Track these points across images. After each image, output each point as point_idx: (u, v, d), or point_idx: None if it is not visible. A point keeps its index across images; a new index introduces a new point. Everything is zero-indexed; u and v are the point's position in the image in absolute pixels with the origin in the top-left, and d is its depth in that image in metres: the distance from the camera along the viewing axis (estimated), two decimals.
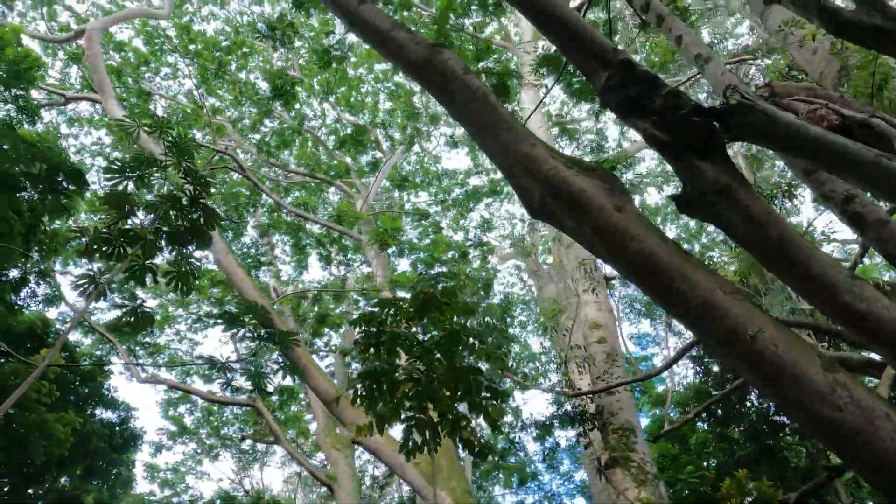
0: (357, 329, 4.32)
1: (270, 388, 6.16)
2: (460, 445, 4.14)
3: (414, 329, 4.27)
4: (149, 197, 6.61)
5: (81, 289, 6.01)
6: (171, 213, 6.41)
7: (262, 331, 5.84)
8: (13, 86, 10.73)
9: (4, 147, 9.80)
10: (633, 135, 20.13)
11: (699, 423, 14.76)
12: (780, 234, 2.71)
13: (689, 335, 17.18)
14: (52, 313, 16.75)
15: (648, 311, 20.62)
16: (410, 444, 4.07)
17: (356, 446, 13.11)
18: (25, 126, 11.35)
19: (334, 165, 19.21)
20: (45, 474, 14.47)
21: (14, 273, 12.83)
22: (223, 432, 24.73)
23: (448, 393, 4.02)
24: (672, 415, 18.39)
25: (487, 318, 4.78)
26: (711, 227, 17.58)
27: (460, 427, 4.00)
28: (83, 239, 6.26)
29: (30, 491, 14.40)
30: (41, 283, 14.65)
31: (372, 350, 4.11)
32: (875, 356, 6.68)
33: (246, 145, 18.71)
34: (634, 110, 3.20)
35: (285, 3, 19.08)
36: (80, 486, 15.99)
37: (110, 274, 5.95)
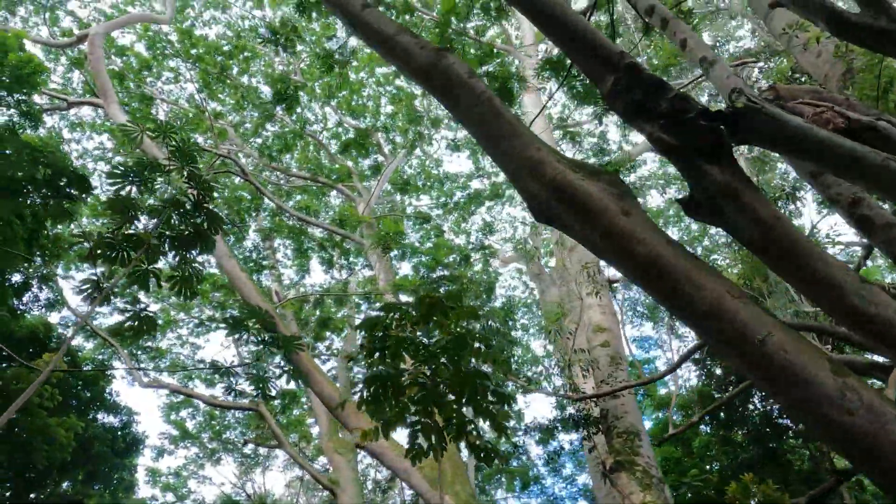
0: (362, 333, 4.31)
1: (274, 393, 6.15)
2: (465, 449, 4.13)
3: (419, 333, 4.26)
4: (151, 201, 6.61)
5: (85, 293, 6.01)
6: (174, 217, 6.42)
7: (266, 335, 5.84)
8: (16, 91, 10.75)
9: (7, 152, 9.83)
10: (635, 138, 20.14)
11: (702, 427, 14.75)
12: (787, 237, 2.71)
13: (691, 338, 17.18)
14: (53, 318, 16.78)
15: (651, 314, 20.60)
16: (416, 448, 4.06)
17: (359, 450, 13.09)
18: (28, 131, 11.37)
19: (336, 169, 19.23)
20: (47, 479, 14.47)
21: (16, 277, 12.84)
22: (225, 436, 24.70)
23: (454, 397, 4.01)
24: (675, 418, 18.38)
25: (491, 322, 4.77)
26: (713, 230, 17.58)
27: (466, 431, 3.99)
28: (86, 244, 6.27)
29: (32, 495, 14.39)
30: (43, 287, 14.66)
31: (377, 354, 4.10)
32: (879, 358, 6.67)
33: (248, 149, 18.73)
34: (641, 114, 3.20)
35: (286, 8, 19.16)
36: (82, 490, 15.99)
37: (115, 279, 5.95)
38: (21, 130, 10.82)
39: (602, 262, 13.62)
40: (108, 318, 18.91)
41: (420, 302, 4.12)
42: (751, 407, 13.27)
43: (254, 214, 19.15)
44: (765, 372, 2.58)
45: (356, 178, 18.91)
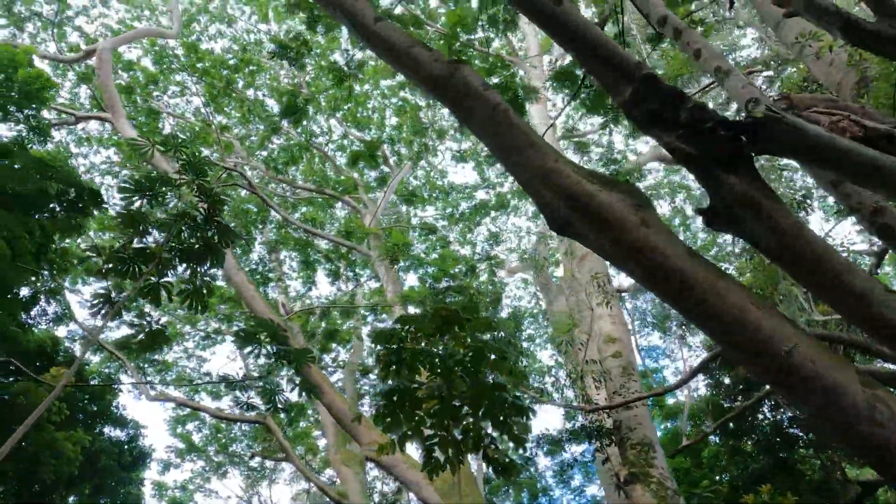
0: (377, 346, 4.28)
1: (284, 405, 6.13)
2: (479, 461, 4.10)
3: (434, 346, 4.23)
4: (160, 215, 6.62)
5: (96, 308, 6.01)
6: (184, 231, 6.42)
7: (278, 348, 5.82)
8: (25, 106, 10.82)
9: (16, 166, 9.88)
10: (641, 148, 20.16)
11: (711, 437, 14.61)
12: (810, 246, 2.69)
13: (701, 349, 17.09)
14: (60, 331, 16.78)
15: (659, 324, 20.53)
16: (433, 462, 4.02)
17: (367, 463, 13.03)
18: (37, 146, 11.43)
19: (341, 181, 19.28)
20: (54, 493, 14.41)
21: (24, 291, 12.86)
22: (231, 449, 24.62)
23: (471, 410, 3.99)
24: (684, 428, 18.23)
25: (500, 333, 4.75)
26: (721, 239, 17.52)
27: (484, 444, 3.96)
28: (94, 258, 6.27)
29: None
30: (51, 301, 14.67)
31: (393, 367, 4.08)
32: None
33: (254, 162, 18.79)
34: (658, 124, 3.19)
35: (292, 22, 19.28)
36: None
37: (126, 293, 5.95)
38: (30, 145, 10.88)
39: (612, 272, 13.61)
40: (114, 331, 18.92)
41: (435, 314, 4.10)
42: (760, 416, 13.16)
43: (260, 227, 19.19)
44: (791, 383, 2.56)
45: (362, 190, 18.94)
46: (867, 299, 2.64)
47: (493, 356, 4.04)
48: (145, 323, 6.24)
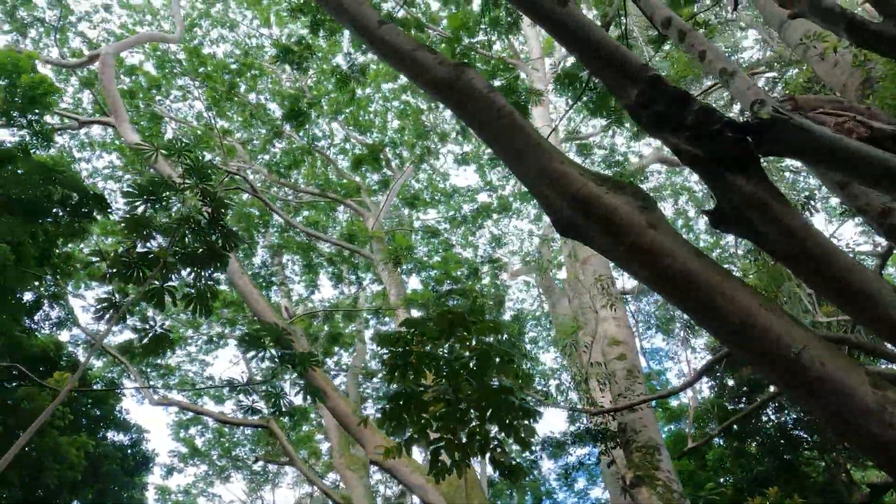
0: (383, 349, 4.27)
1: (290, 409, 6.12)
2: (482, 464, 4.09)
3: (440, 349, 4.23)
4: (164, 220, 6.62)
5: (101, 313, 6.01)
6: (188, 235, 6.43)
7: (282, 352, 5.82)
8: (28, 111, 10.84)
9: (19, 171, 9.89)
10: (642, 150, 20.15)
11: (715, 439, 14.57)
12: (820, 248, 2.68)
13: (705, 351, 17.06)
14: (63, 336, 16.78)
15: (662, 326, 20.50)
16: (439, 465, 4.01)
17: (371, 466, 13.00)
18: (40, 151, 11.44)
19: (344, 184, 19.29)
20: (58, 498, 14.39)
21: (28, 296, 12.86)
22: (234, 453, 24.62)
23: (477, 413, 3.98)
24: (688, 430, 18.19)
25: (503, 335, 4.74)
26: (724, 241, 17.50)
27: (490, 447, 3.95)
28: (96, 262, 6.28)
29: None
30: (54, 306, 14.68)
31: (399, 371, 4.07)
32: None
33: (256, 166, 18.81)
34: (665, 126, 3.19)
35: (293, 26, 19.32)
36: None
37: (130, 297, 5.95)
38: (33, 150, 10.89)
39: (615, 274, 13.60)
40: (117, 335, 18.93)
41: (441, 317, 4.09)
42: (764, 419, 13.13)
43: (262, 231, 19.20)
44: (801, 385, 2.55)
45: (364, 193, 18.95)
46: (875, 300, 2.63)
47: (499, 359, 4.04)
48: (148, 327, 6.24)
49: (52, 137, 11.84)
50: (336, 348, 19.32)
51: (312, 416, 21.27)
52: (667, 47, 11.16)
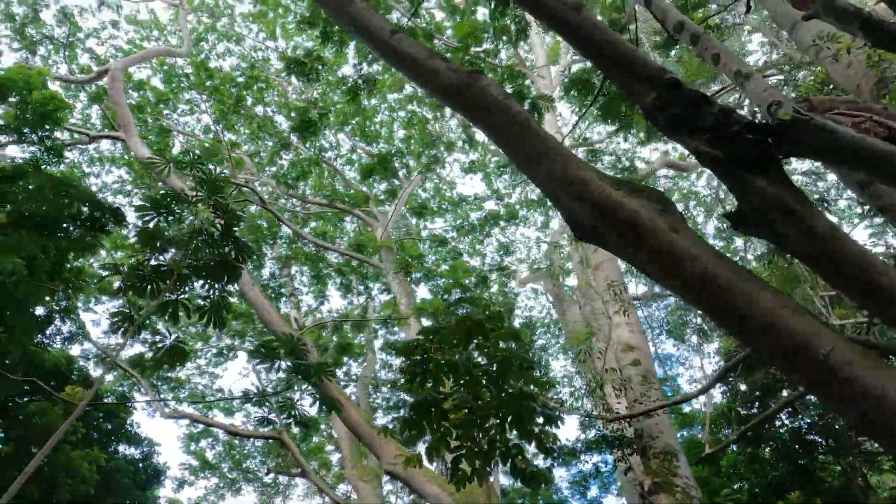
0: (402, 358, 4.26)
1: (304, 420, 6.10)
2: (497, 472, 4.06)
3: (458, 356, 4.20)
4: (176, 233, 6.64)
5: (116, 326, 6.01)
6: (201, 247, 6.44)
7: (296, 362, 5.80)
8: (39, 127, 10.92)
9: (31, 187, 9.96)
10: (648, 155, 20.14)
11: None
12: (845, 249, 2.66)
13: (717, 356, 16.96)
14: (74, 350, 16.84)
15: (674, 332, 20.41)
16: (459, 473, 3.99)
17: (383, 477, 12.95)
18: (51, 167, 11.51)
19: (351, 195, 19.34)
20: None
21: (40, 310, 12.92)
22: (245, 466, 24.58)
23: (497, 421, 3.96)
24: (699, 436, 18.07)
25: (514, 344, 4.73)
26: (735, 245, 17.43)
27: (512, 455, 3.93)
28: (108, 276, 6.30)
29: None
30: (66, 320, 14.73)
31: (418, 379, 4.06)
32: None
33: (264, 178, 18.89)
34: (684, 128, 3.18)
35: (299, 38, 19.45)
36: None
37: (145, 310, 5.96)
38: (44, 166, 10.97)
39: (626, 279, 13.56)
40: (126, 349, 18.97)
41: (459, 324, 4.08)
42: (778, 423, 13.02)
43: (271, 242, 19.25)
44: (829, 387, 2.52)
45: (372, 203, 18.99)
46: None
47: (518, 365, 4.02)
48: (159, 339, 6.24)
49: (62, 153, 11.91)
50: (345, 359, 19.31)
51: (322, 427, 21.24)
52: (673, 53, 11.17)
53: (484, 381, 4.00)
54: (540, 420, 3.95)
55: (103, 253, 17.22)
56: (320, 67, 9.69)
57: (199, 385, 22.11)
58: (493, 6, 8.11)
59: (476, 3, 11.28)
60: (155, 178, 14.96)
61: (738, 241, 17.22)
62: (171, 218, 6.54)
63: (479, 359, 4.46)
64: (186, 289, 6.52)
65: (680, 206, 20.83)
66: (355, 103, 12.13)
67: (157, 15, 21.12)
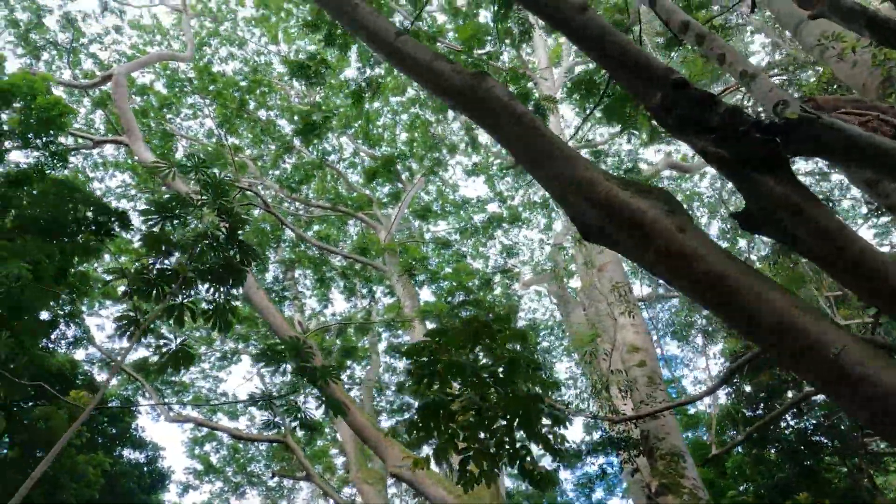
0: (409, 360, 4.25)
1: (312, 423, 6.10)
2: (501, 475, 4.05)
3: (464, 357, 4.20)
4: (176, 236, 6.64)
5: (122, 330, 6.02)
6: (206, 251, 6.45)
7: (303, 365, 5.81)
8: (44, 133, 10.93)
9: (34, 192, 9.97)
10: (650, 156, 20.10)
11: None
12: (855, 248, 2.65)
13: (721, 357, 16.92)
14: (78, 354, 16.85)
15: (678, 334, 20.37)
16: (467, 475, 3.98)
17: (389, 480, 12.95)
18: (56, 172, 11.54)
19: (355, 198, 19.37)
20: None
21: (44, 315, 12.93)
22: (249, 470, 24.57)
23: (505, 422, 3.95)
24: (705, 438, 18.03)
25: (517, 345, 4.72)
26: (739, 245, 17.40)
27: (520, 456, 3.92)
28: (112, 280, 6.30)
29: None
30: (70, 325, 14.75)
31: (426, 380, 4.05)
32: None
33: (267, 181, 18.92)
34: (689, 128, 3.18)
35: (302, 42, 19.50)
36: None
37: (152, 313, 5.97)
38: (48, 171, 10.99)
39: (630, 280, 13.53)
40: (132, 353, 18.98)
41: (467, 325, 4.08)
42: (783, 424, 12.97)
43: (274, 246, 19.26)
44: (840, 386, 2.52)
45: (376, 206, 19.01)
46: None
47: (526, 366, 4.01)
48: (164, 343, 6.24)
49: (67, 158, 11.93)
50: (349, 362, 19.30)
51: (327, 430, 21.23)
52: (674, 55, 11.17)
53: (491, 383, 4.00)
54: (547, 421, 3.95)
55: (107, 258, 17.27)
56: (324, 70, 9.70)
57: (202, 389, 22.13)
58: (496, 8, 8.12)
59: (479, 5, 11.30)
60: (159, 182, 15.00)
61: (742, 242, 17.20)
62: (176, 221, 6.55)
63: (485, 360, 4.46)
64: (192, 292, 6.53)
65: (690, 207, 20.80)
66: (359, 106, 12.14)
67: (160, 20, 21.20)
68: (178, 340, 6.22)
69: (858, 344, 2.54)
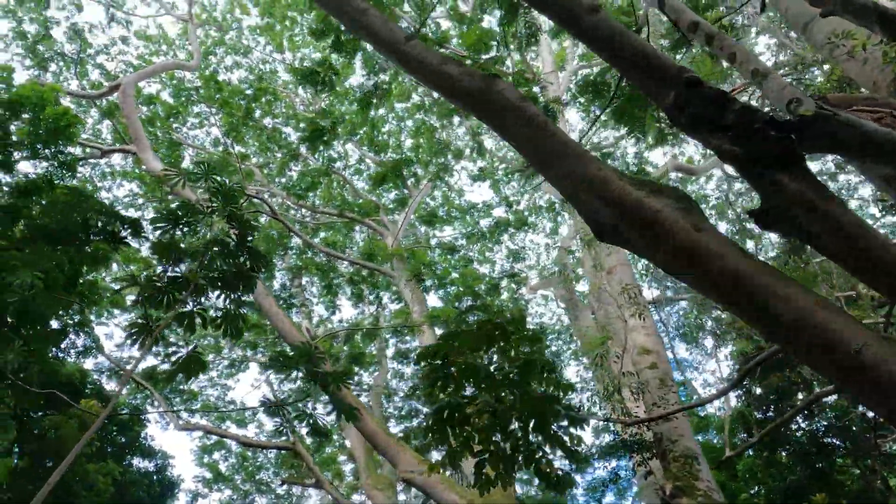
0: (422, 364, 4.24)
1: (324, 429, 6.10)
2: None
3: (478, 360, 4.19)
4: (185, 245, 6.66)
5: (134, 337, 6.04)
6: (216, 258, 6.46)
7: (315, 370, 5.81)
8: (52, 143, 11.00)
9: (43, 202, 10.01)
10: (654, 158, 20.06)
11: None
12: (874, 245, 2.64)
13: (731, 360, 16.82)
14: (87, 364, 16.90)
15: (688, 336, 20.29)
16: (483, 478, 3.97)
17: (399, 486, 12.91)
18: (64, 182, 11.60)
19: (361, 204, 19.40)
20: None
21: (54, 324, 12.98)
22: (258, 477, 24.56)
23: (520, 424, 3.94)
24: (715, 441, 17.92)
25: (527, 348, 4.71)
26: (749, 246, 17.33)
27: (536, 458, 3.90)
28: (122, 288, 6.32)
29: None
30: (80, 334, 14.80)
31: (440, 384, 4.05)
32: None
33: (273, 189, 18.97)
34: (703, 127, 3.18)
35: (306, 49, 19.58)
36: None
37: (163, 320, 5.98)
38: (57, 181, 11.04)
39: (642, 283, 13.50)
40: (141, 362, 18.99)
41: (480, 328, 4.07)
42: (794, 426, 12.88)
43: (282, 253, 19.30)
44: (861, 382, 2.50)
45: (382, 212, 19.03)
46: None
47: (541, 368, 4.00)
48: (174, 351, 6.25)
49: (75, 168, 12.00)
50: (357, 368, 19.29)
51: (336, 437, 21.20)
52: (680, 56, 11.16)
53: (506, 385, 3.99)
54: (563, 423, 3.94)
55: (115, 267, 17.32)
56: (333, 77, 9.73)
57: (211, 397, 22.15)
58: (503, 12, 8.14)
59: (483, 10, 11.33)
60: (166, 190, 15.06)
61: (750, 244, 17.13)
62: (186, 229, 6.57)
63: (498, 363, 4.45)
64: (202, 299, 6.54)
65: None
66: (365, 113, 12.15)
67: (166, 30, 21.34)
68: (190, 347, 6.23)
69: (879, 341, 2.53)
